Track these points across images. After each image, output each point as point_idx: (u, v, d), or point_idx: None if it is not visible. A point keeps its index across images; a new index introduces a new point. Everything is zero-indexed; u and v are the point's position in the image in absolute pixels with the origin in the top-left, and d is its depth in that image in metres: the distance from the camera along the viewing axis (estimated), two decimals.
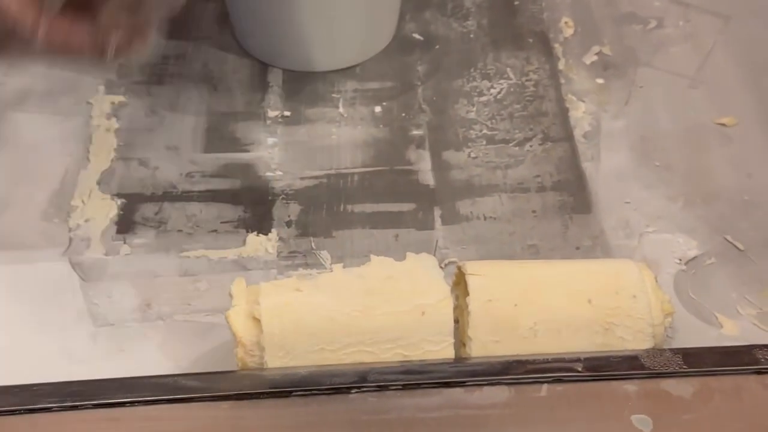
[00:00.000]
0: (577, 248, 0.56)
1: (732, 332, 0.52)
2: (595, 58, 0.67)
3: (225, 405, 0.46)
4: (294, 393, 0.46)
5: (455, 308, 0.50)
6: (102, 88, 0.65)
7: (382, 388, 0.46)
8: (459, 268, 0.51)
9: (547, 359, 0.48)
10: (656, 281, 0.49)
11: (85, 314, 0.53)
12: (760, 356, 0.48)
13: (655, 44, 0.68)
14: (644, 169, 0.60)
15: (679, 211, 0.58)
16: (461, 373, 0.47)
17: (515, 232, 0.57)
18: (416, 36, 0.69)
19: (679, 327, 0.52)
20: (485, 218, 0.58)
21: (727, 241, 0.56)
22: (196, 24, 0.69)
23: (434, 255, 0.55)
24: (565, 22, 0.69)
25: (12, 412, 0.46)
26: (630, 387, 0.46)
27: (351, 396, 0.46)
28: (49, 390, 0.47)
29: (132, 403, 0.46)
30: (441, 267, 0.54)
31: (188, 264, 0.55)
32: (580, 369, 0.47)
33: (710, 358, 0.48)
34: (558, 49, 0.68)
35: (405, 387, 0.46)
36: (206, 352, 0.51)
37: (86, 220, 0.57)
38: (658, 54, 0.67)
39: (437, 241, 0.56)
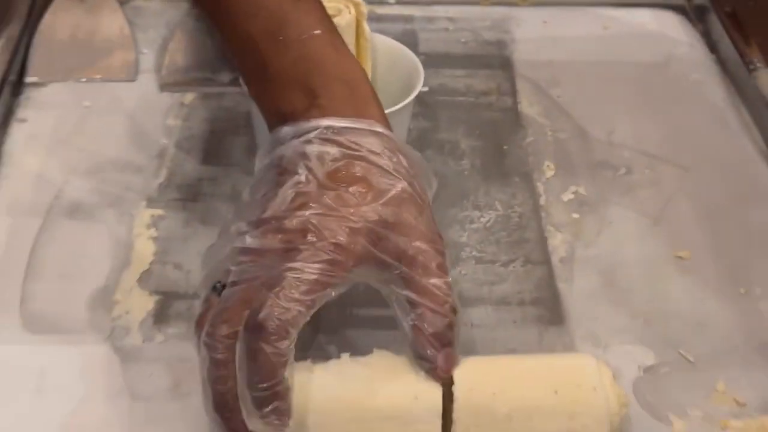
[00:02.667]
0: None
1: (681, 430, 0.61)
2: (572, 196, 0.77)
3: None
4: None
5: (442, 396, 0.59)
6: (144, 203, 0.75)
7: None
8: None
9: None
10: (613, 376, 0.58)
11: (123, 392, 0.61)
12: None
13: (624, 188, 0.77)
14: (611, 291, 0.69)
15: (639, 327, 0.67)
16: None
17: (497, 338, 0.66)
18: None
19: (636, 423, 0.60)
20: (472, 325, 0.67)
21: (680, 354, 0.65)
22: (227, 153, 0.79)
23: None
24: (547, 165, 0.79)
25: None
26: None
27: None
28: None
29: None
30: None
31: None
32: None
33: None
34: (540, 187, 0.77)
35: None
36: None
37: (127, 312, 0.66)
38: (626, 196, 0.77)
39: None
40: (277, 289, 0.51)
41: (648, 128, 0.83)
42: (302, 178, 0.54)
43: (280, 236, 0.53)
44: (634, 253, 0.72)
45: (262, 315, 0.50)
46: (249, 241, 0.54)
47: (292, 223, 0.53)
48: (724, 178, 0.78)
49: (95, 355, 0.63)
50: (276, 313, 0.51)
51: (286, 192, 0.54)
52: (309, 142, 0.56)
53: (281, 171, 0.56)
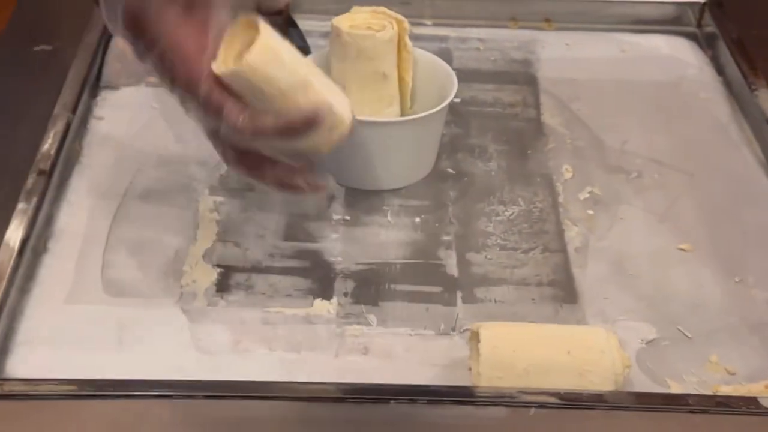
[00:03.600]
0: None
1: (677, 390, 0.69)
2: (587, 195, 0.85)
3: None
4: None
5: (470, 358, 0.68)
6: (207, 191, 0.84)
7: (413, 401, 0.64)
8: (473, 329, 0.69)
9: (536, 391, 0.65)
10: (618, 343, 0.67)
11: (191, 346, 0.71)
12: (692, 402, 0.65)
13: (634, 189, 0.86)
14: (620, 276, 0.78)
15: (644, 308, 0.75)
16: (474, 395, 0.65)
17: (517, 313, 0.75)
18: (450, 170, 0.88)
19: (637, 385, 0.69)
20: (495, 302, 0.75)
21: (679, 330, 0.74)
22: None
23: (455, 324, 0.73)
24: (566, 169, 0.88)
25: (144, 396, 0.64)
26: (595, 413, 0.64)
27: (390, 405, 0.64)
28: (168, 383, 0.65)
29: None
30: (460, 332, 0.72)
31: (268, 316, 0.73)
32: (559, 400, 0.64)
33: (655, 398, 0.65)
34: (559, 187, 0.86)
35: (430, 402, 0.64)
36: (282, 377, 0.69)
37: (194, 281, 0.76)
38: (636, 196, 0.85)
39: (458, 314, 0.74)
40: None
41: (658, 139, 0.92)
42: None
43: None
44: (641, 245, 0.81)
45: None
46: None
47: None
48: (725, 184, 0.87)
49: (167, 315, 0.73)
50: None
51: None
52: None
53: None
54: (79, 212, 0.81)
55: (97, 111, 0.92)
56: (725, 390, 0.69)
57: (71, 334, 0.71)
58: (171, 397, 0.64)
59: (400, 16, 0.83)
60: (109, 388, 0.64)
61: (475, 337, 0.68)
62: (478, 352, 0.66)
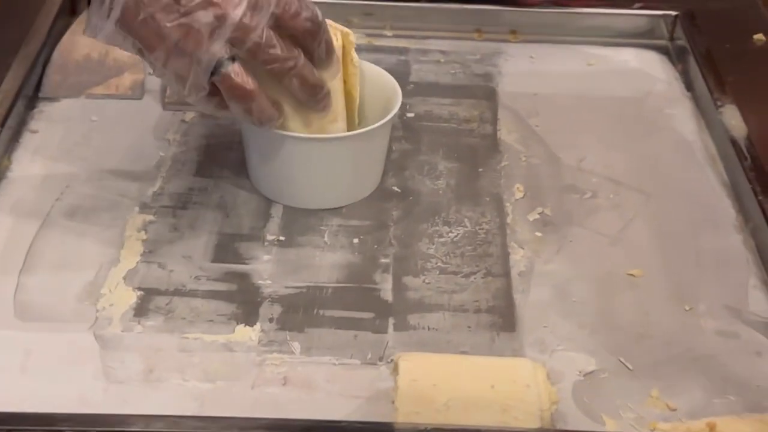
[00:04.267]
0: (499, 357, 0.69)
1: (612, 429, 0.65)
2: (537, 216, 0.81)
3: None
4: None
5: (393, 389, 0.64)
6: (137, 208, 0.80)
7: None
8: (396, 358, 0.65)
9: (454, 429, 0.61)
10: (547, 376, 0.63)
11: (100, 374, 0.67)
12: None
13: (587, 210, 0.82)
14: (563, 303, 0.74)
15: (585, 337, 0.71)
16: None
17: (451, 341, 0.71)
18: (395, 188, 0.84)
19: (570, 422, 0.65)
20: (429, 329, 0.71)
21: (620, 362, 0.69)
22: (219, 166, 0.85)
23: (383, 353, 0.69)
24: (517, 188, 0.84)
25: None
26: None
27: None
28: (65, 417, 0.61)
29: None
30: (387, 362, 0.68)
31: (186, 343, 0.69)
32: None
33: None
34: (508, 207, 0.82)
35: None
36: (193, 409, 0.65)
37: (111, 305, 0.72)
38: (588, 218, 0.81)
39: (387, 342, 0.70)
40: None
41: (617, 157, 0.88)
42: None
43: None
44: (588, 269, 0.77)
45: None
46: None
47: None
48: (683, 206, 0.83)
49: (78, 342, 0.69)
50: None
51: None
52: None
53: None
54: None
55: (33, 124, 0.89)
56: (663, 427, 0.64)
57: None
58: None
59: (345, 29, 0.79)
60: None
61: (396, 368, 0.64)
62: (397, 384, 0.62)
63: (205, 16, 0.68)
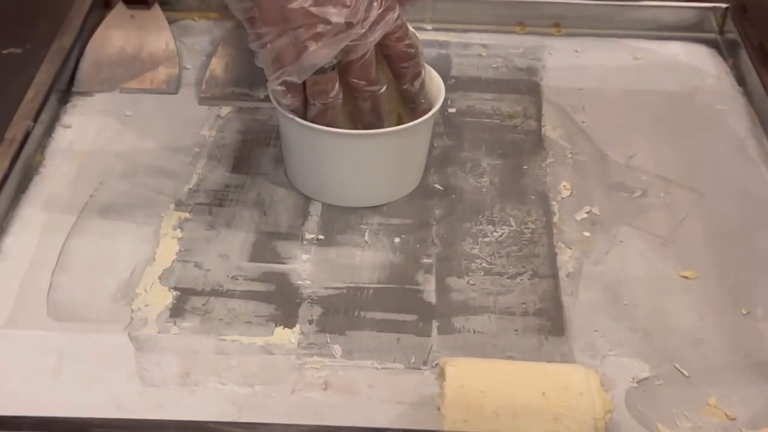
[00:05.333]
0: (548, 362, 0.67)
1: None
2: (585, 215, 0.78)
3: None
4: None
5: (438, 396, 0.61)
6: (173, 205, 0.78)
7: None
8: (441, 363, 0.62)
9: None
10: (600, 383, 0.60)
11: (135, 376, 0.65)
12: None
13: (637, 209, 0.79)
14: (614, 306, 0.71)
15: (638, 341, 0.68)
16: None
17: (497, 345, 0.68)
18: (437, 186, 0.81)
19: (624, 431, 0.62)
20: (474, 332, 0.69)
21: (675, 368, 0.66)
22: (256, 162, 0.83)
23: (427, 357, 0.67)
24: (564, 186, 0.81)
25: None
26: None
27: None
28: (99, 422, 0.59)
29: None
30: (432, 366, 0.66)
31: (224, 345, 0.67)
32: None
33: None
34: (555, 206, 0.79)
35: None
36: (231, 414, 0.63)
37: (146, 305, 0.70)
38: (639, 217, 0.78)
39: (431, 346, 0.68)
40: None
41: (668, 154, 0.85)
42: None
43: None
44: (640, 271, 0.74)
45: None
46: None
47: None
48: (738, 204, 0.79)
49: (112, 343, 0.67)
50: None
51: None
52: None
53: None
54: (31, 228, 0.75)
55: (66, 119, 0.86)
56: None
57: (5, 362, 0.65)
58: None
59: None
60: (23, 427, 0.58)
61: (442, 373, 0.61)
62: (444, 390, 0.60)
63: (336, 16, 0.67)
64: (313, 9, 0.67)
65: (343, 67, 0.72)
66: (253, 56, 0.72)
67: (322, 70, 0.70)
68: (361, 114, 0.76)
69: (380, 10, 0.69)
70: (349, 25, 0.68)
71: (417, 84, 0.76)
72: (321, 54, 0.68)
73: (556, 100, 0.91)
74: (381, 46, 0.72)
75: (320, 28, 0.67)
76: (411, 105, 0.78)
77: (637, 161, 0.84)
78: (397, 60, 0.74)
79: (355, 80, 0.73)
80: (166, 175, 0.81)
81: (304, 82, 0.71)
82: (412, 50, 0.74)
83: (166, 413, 0.62)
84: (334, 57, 0.70)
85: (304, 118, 0.74)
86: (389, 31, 0.71)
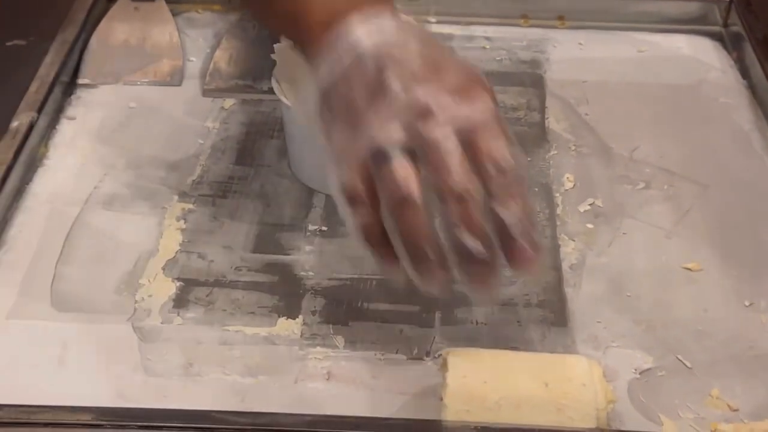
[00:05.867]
0: (551, 353, 0.67)
1: (670, 430, 0.62)
2: (588, 207, 0.78)
3: None
4: None
5: (441, 386, 0.61)
6: (176, 197, 0.78)
7: None
8: (444, 354, 0.62)
9: (505, 428, 0.58)
10: (603, 374, 0.60)
11: (139, 367, 0.65)
12: None
13: (641, 201, 0.79)
14: (617, 298, 0.71)
15: (641, 333, 0.68)
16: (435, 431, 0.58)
17: (500, 336, 0.68)
18: None
19: (627, 422, 0.62)
20: (477, 323, 0.69)
21: (678, 359, 0.66)
22: (260, 154, 0.83)
23: (430, 348, 0.67)
24: (567, 177, 0.81)
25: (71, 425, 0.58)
26: None
27: None
28: (102, 411, 0.59)
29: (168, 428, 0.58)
30: (434, 357, 0.66)
31: (227, 336, 0.67)
32: None
33: None
34: (558, 198, 0.79)
35: None
36: (234, 404, 0.63)
37: (150, 296, 0.70)
38: (642, 209, 0.78)
39: (434, 337, 0.68)
40: None
41: (671, 147, 0.85)
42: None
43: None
44: (643, 263, 0.74)
45: None
46: None
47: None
48: (741, 197, 0.79)
49: (116, 333, 0.67)
50: None
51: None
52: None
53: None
54: (35, 219, 0.75)
55: (70, 110, 0.87)
56: (724, 429, 0.62)
57: (9, 352, 0.65)
58: (101, 426, 0.58)
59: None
60: (26, 416, 0.58)
61: (445, 364, 0.61)
62: (446, 379, 0.60)
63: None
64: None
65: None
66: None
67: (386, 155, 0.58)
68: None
69: None
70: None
71: None
72: (379, 135, 0.58)
73: (560, 93, 0.91)
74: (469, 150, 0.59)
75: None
76: None
77: (641, 154, 0.84)
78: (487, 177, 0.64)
79: (436, 175, 0.58)
80: (169, 167, 0.81)
81: None
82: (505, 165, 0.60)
83: (170, 403, 0.62)
84: (398, 138, 0.57)
85: None
86: (470, 128, 0.58)
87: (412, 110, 0.57)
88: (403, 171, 0.56)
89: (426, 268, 0.57)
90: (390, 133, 0.57)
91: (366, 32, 0.59)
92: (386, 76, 0.58)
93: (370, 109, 0.58)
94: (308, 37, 0.62)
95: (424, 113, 0.56)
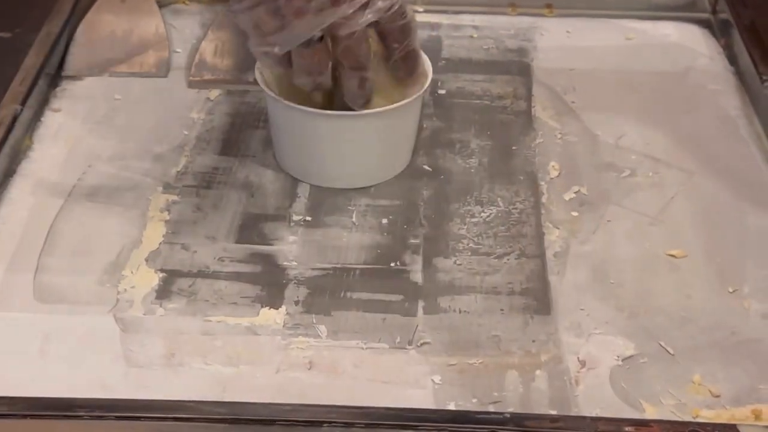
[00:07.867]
0: (533, 341, 0.67)
1: (652, 416, 0.62)
2: (573, 195, 0.78)
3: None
4: None
5: None
6: (160, 188, 0.78)
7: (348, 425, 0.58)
8: None
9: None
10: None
11: (121, 357, 0.65)
12: (661, 429, 0.58)
13: (626, 189, 0.79)
14: (600, 285, 0.71)
15: (623, 320, 0.68)
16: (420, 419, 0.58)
17: (483, 324, 0.68)
18: (426, 167, 0.81)
19: (608, 408, 0.62)
20: (460, 312, 0.69)
21: (661, 346, 0.66)
22: (245, 145, 0.83)
23: (412, 337, 0.67)
24: (552, 166, 0.81)
25: (51, 417, 0.58)
26: None
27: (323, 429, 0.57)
28: (84, 402, 0.59)
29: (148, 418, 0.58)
30: (417, 346, 0.66)
31: (209, 326, 0.67)
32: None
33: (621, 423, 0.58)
34: (543, 186, 0.79)
35: (368, 426, 0.58)
36: (216, 394, 0.63)
37: (132, 287, 0.70)
38: (627, 197, 0.78)
39: (417, 326, 0.67)
40: None
41: (658, 134, 0.85)
42: None
43: None
44: (627, 250, 0.74)
45: None
46: None
47: None
48: (727, 184, 0.79)
49: (98, 324, 0.67)
50: None
51: None
52: None
53: None
54: (18, 211, 0.75)
55: (55, 102, 0.87)
56: (706, 415, 0.61)
57: None
58: (80, 417, 0.58)
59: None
60: (7, 407, 0.58)
61: None
62: None
63: None
64: None
65: (331, 42, 0.72)
66: (236, 19, 0.71)
67: (306, 43, 0.69)
68: (349, 92, 0.75)
69: None
70: (335, 3, 0.67)
71: (409, 64, 0.76)
72: (301, 27, 0.68)
73: (547, 81, 0.91)
74: (374, 23, 0.71)
75: (301, 2, 0.67)
76: (399, 85, 0.77)
77: (627, 141, 0.84)
78: (389, 39, 0.73)
79: (340, 58, 0.72)
80: (154, 158, 0.81)
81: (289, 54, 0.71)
82: (406, 31, 0.73)
83: (151, 393, 0.62)
84: (320, 31, 0.69)
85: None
86: (384, 15, 0.70)
87: None
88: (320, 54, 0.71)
89: None
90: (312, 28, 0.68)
91: None
92: None
93: None
94: None
95: None
